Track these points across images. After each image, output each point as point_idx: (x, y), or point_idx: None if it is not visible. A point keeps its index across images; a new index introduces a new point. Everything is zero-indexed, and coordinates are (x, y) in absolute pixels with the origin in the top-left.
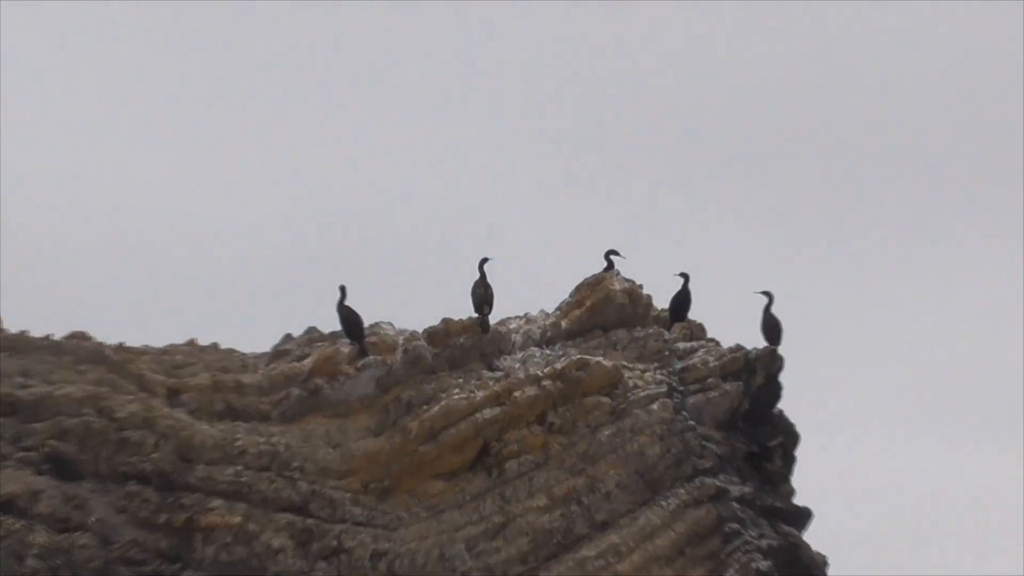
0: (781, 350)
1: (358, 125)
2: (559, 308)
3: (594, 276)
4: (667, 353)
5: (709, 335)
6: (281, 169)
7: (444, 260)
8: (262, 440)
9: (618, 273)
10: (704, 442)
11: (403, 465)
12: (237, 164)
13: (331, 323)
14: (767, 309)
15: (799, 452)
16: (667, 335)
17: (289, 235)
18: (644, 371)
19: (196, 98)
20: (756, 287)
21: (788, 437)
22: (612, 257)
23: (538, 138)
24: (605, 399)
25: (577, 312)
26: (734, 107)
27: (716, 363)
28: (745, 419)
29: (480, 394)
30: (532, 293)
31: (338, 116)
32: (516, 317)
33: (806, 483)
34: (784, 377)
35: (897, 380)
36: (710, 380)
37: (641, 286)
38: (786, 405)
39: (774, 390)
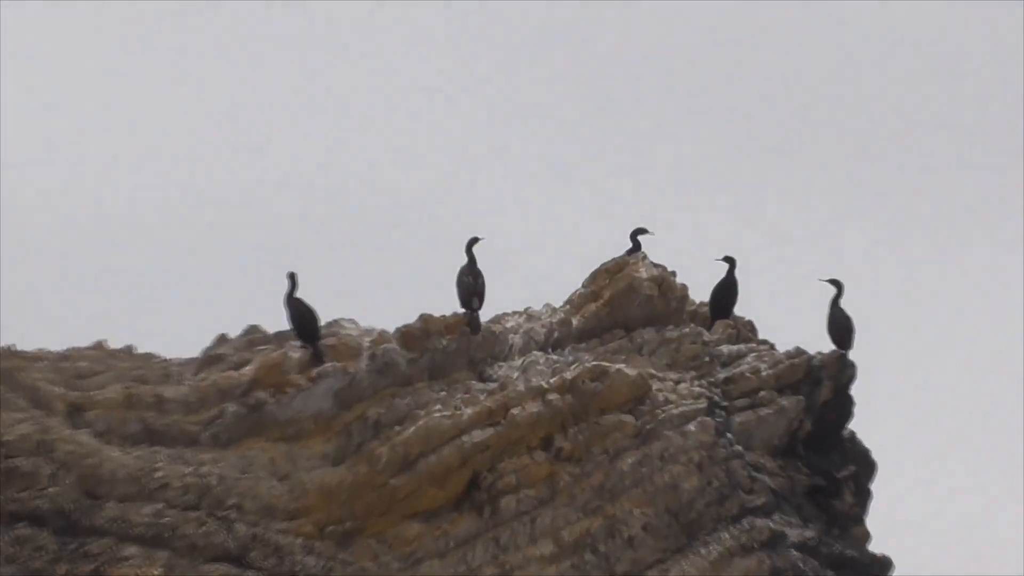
0: (853, 354)
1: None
2: (569, 301)
3: (614, 260)
4: (707, 359)
5: (761, 336)
6: (214, 135)
7: (423, 243)
8: (189, 470)
9: (645, 257)
10: (755, 473)
11: (370, 502)
12: (158, 133)
13: (277, 320)
14: (835, 303)
15: (876, 485)
16: (707, 336)
17: (226, 214)
18: (678, 382)
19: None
20: (820, 274)
21: (862, 466)
22: (639, 237)
23: (541, 105)
24: (628, 418)
25: (593, 306)
26: (783, 76)
27: (770, 372)
28: (807, 443)
29: (468, 411)
30: (535, 282)
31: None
32: (514, 313)
33: (884, 524)
34: (857, 389)
35: (990, 389)
36: (762, 394)
37: (674, 273)
38: (859, 425)
39: (844, 406)
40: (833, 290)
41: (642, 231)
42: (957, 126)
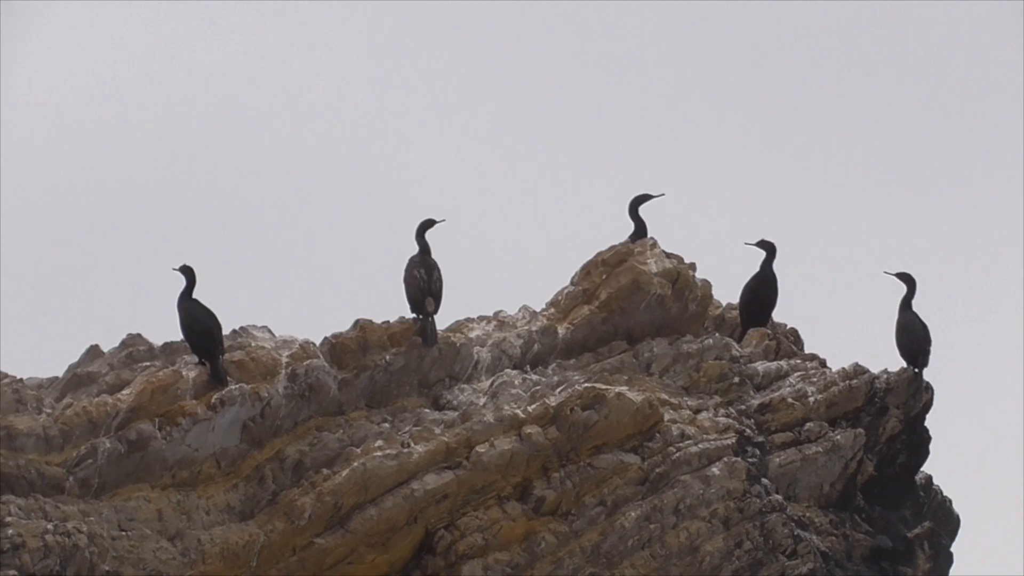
0: (929, 374)
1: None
2: (554, 303)
3: (613, 248)
4: (737, 380)
5: (808, 349)
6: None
7: (361, 230)
8: (50, 527)
9: (654, 243)
10: (799, 531)
11: (289, 569)
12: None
13: (166, 328)
14: (905, 306)
15: (959, 546)
16: (737, 349)
17: (100, 197)
18: (698, 411)
19: None
20: (884, 267)
21: (942, 522)
22: (642, 210)
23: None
24: (632, 458)
25: (585, 310)
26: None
27: (820, 396)
28: (869, 492)
29: (419, 449)
30: (509, 278)
31: None
32: (481, 320)
33: None
34: (934, 421)
35: None
36: (810, 426)
37: (693, 266)
38: (937, 468)
39: (918, 443)
40: (903, 288)
41: (645, 198)
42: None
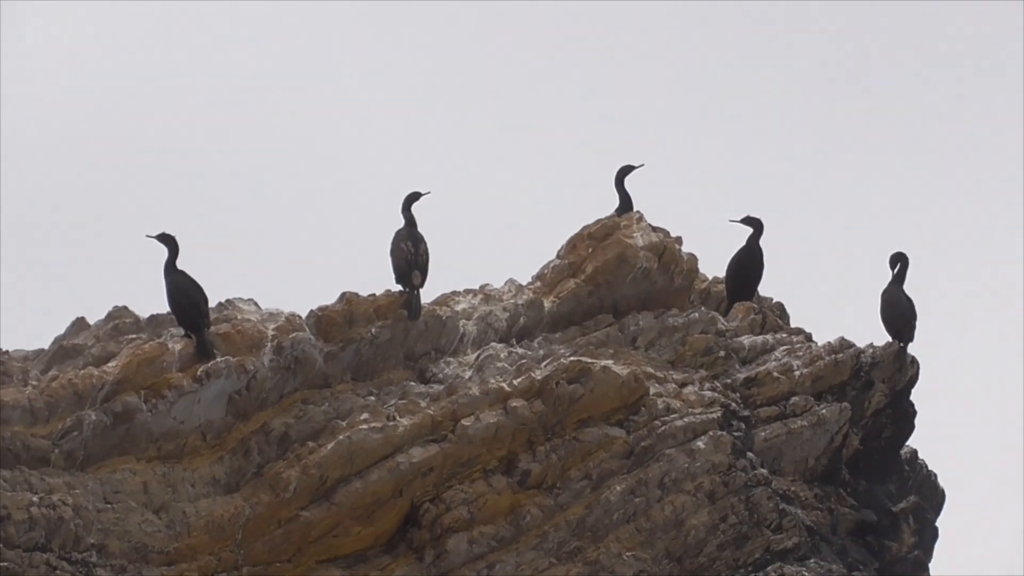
0: (914, 348)
1: None
2: (540, 277)
3: (599, 222)
4: (723, 354)
5: (794, 323)
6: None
7: (348, 205)
8: (35, 499)
9: (641, 217)
10: (785, 505)
11: (274, 542)
12: None
13: (153, 300)
14: (895, 282)
15: (944, 521)
16: (723, 323)
17: (85, 164)
18: (684, 384)
19: None
20: (871, 244)
21: (927, 497)
22: (627, 182)
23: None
24: (617, 431)
25: (571, 284)
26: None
27: (806, 371)
28: (855, 466)
29: (405, 422)
30: (495, 252)
31: None
32: (467, 293)
33: (954, 572)
34: (920, 395)
35: None
36: (795, 400)
37: (680, 240)
38: (923, 442)
39: (903, 417)
40: (894, 267)
41: (628, 169)
42: None
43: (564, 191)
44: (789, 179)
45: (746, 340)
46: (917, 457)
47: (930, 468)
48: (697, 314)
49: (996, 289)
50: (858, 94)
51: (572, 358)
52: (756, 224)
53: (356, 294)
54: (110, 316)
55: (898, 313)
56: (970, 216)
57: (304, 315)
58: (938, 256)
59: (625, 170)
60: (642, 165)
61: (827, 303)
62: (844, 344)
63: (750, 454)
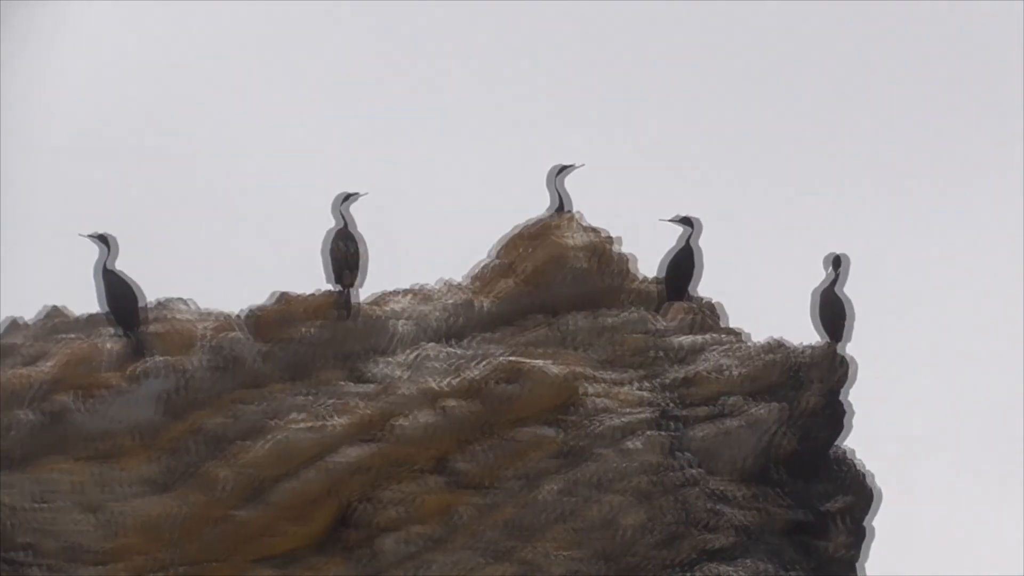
0: (849, 348)
1: None
2: (475, 276)
3: (536, 222)
4: (657, 354)
5: (729, 323)
6: None
7: (281, 205)
8: None
9: (576, 216)
10: (718, 505)
11: (207, 542)
12: None
13: (87, 300)
14: (831, 282)
15: (877, 521)
16: (658, 322)
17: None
18: (618, 383)
19: None
20: (808, 243)
21: (859, 496)
22: (562, 181)
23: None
24: (550, 431)
25: (506, 284)
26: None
27: (740, 371)
28: (788, 466)
29: (339, 422)
30: (430, 252)
31: None
32: (402, 292)
33: (887, 572)
34: (855, 396)
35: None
36: (730, 400)
37: (615, 240)
38: (856, 442)
39: (836, 417)
40: (830, 270)
41: (564, 169)
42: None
43: (500, 191)
44: (724, 178)
45: (680, 340)
46: (851, 457)
47: (863, 468)
48: (632, 314)
49: (936, 287)
50: (795, 91)
51: (507, 358)
52: (690, 223)
53: (292, 294)
54: (44, 315)
55: (832, 313)
56: (909, 213)
57: (239, 315)
58: (874, 255)
59: (561, 169)
60: (582, 165)
61: (762, 304)
62: (778, 345)
63: (684, 454)
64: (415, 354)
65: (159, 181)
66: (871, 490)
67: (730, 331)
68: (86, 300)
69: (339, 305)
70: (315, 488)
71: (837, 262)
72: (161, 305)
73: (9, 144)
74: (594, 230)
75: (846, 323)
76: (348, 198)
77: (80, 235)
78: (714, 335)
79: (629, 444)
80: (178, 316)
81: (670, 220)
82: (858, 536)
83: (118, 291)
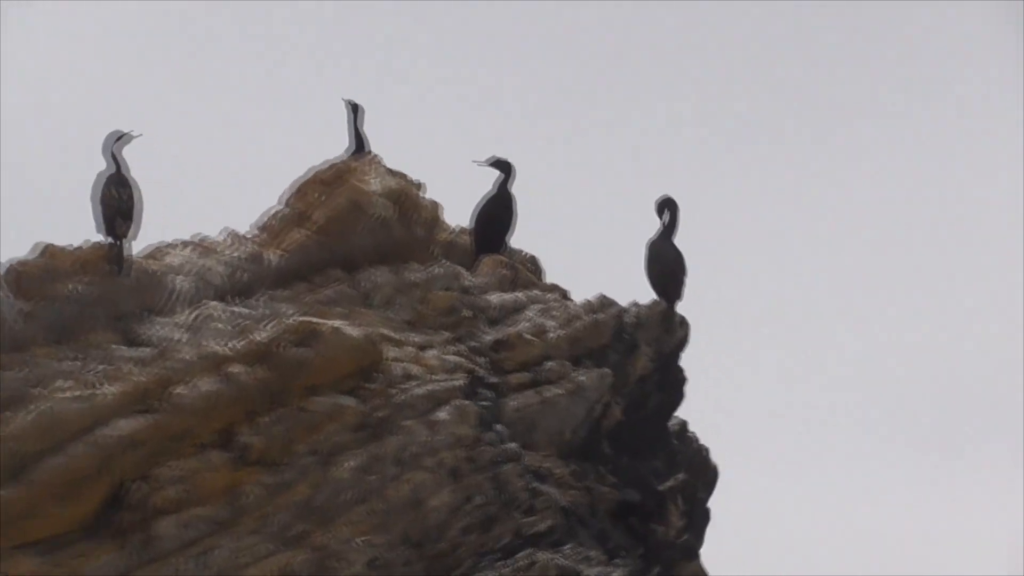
0: (683, 308)
1: None
2: (264, 227)
3: (331, 165)
4: (469, 313)
5: (550, 279)
6: None
7: (46, 141)
8: None
9: (377, 160)
10: (537, 484)
11: None
12: None
13: None
14: (663, 232)
15: (717, 501)
16: (469, 278)
17: None
18: (424, 347)
19: None
20: (645, 193)
21: (697, 474)
22: (361, 125)
23: None
24: (349, 400)
25: (298, 234)
26: None
27: (562, 332)
28: (617, 440)
29: (110, 390)
30: (212, 198)
31: None
32: (181, 244)
33: (728, 557)
34: (690, 360)
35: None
36: (550, 365)
37: (420, 184)
38: (693, 413)
39: (672, 384)
40: (661, 215)
41: (355, 107)
42: None
43: (289, 132)
44: (540, 116)
45: (495, 298)
46: (687, 430)
47: (701, 443)
48: (439, 269)
49: (784, 238)
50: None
51: (299, 318)
52: (506, 168)
53: (56, 246)
54: None
55: (665, 267)
56: (744, 153)
57: None
58: (704, 200)
59: (356, 107)
60: (359, 107)
61: (587, 257)
62: (605, 302)
63: (499, 426)
64: (196, 314)
65: None
66: (714, 467)
67: (552, 287)
68: None
69: (110, 259)
70: (84, 465)
71: (666, 206)
72: None
73: None
74: (398, 174)
75: (680, 278)
76: (121, 138)
77: None
78: (533, 292)
79: (437, 415)
80: None
81: (483, 163)
82: (697, 519)
83: None
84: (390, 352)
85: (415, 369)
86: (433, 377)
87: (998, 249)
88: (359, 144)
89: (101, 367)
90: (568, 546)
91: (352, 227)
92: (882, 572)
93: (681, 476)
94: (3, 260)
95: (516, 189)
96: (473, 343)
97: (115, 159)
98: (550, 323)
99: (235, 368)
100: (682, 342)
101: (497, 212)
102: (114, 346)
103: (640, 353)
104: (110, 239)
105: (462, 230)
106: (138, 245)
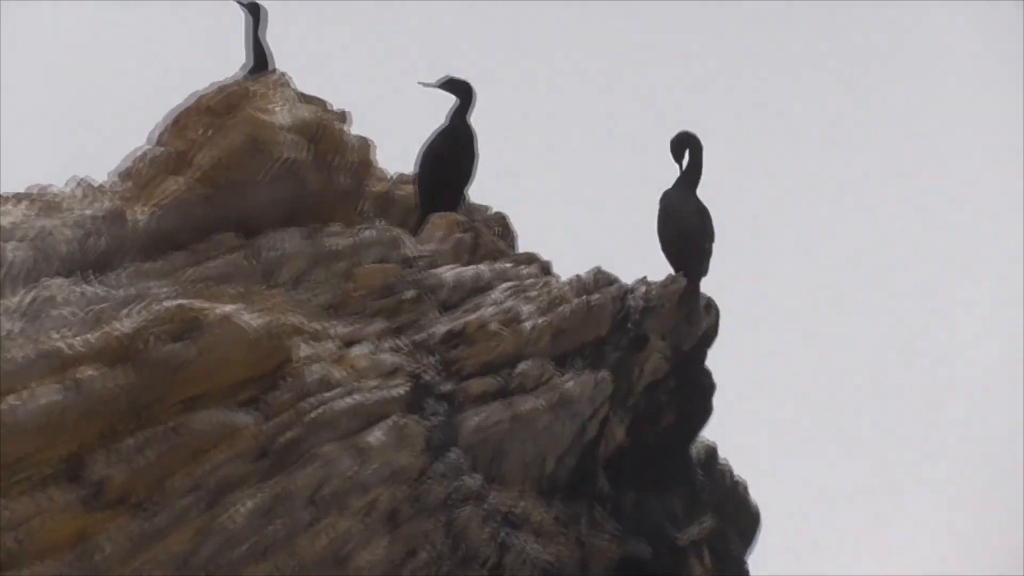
0: (707, 285)
1: None
2: (127, 173)
3: (220, 88)
4: (412, 294)
5: (523, 247)
6: None
7: None
8: None
9: (283, 80)
10: (508, 533)
11: None
12: None
13: None
14: (683, 181)
15: (762, 552)
16: (412, 245)
17: None
18: (351, 342)
19: None
20: (659, 128)
21: (730, 518)
22: (263, 36)
23: None
24: (245, 417)
25: (174, 184)
26: None
27: (542, 320)
28: (620, 471)
29: None
30: (56, 137)
31: None
32: (12, 198)
33: None
34: (719, 359)
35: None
36: (525, 367)
37: (345, 115)
38: (723, 432)
39: (694, 393)
40: (679, 158)
41: (255, 7)
42: None
43: (162, 46)
44: (513, 31)
45: (448, 273)
46: (716, 458)
47: (737, 476)
48: (372, 232)
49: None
50: None
51: (176, 302)
52: (463, 90)
53: None
54: None
55: (684, 229)
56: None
57: None
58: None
59: (258, 10)
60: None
61: (577, 217)
62: (601, 279)
63: (453, 453)
64: (32, 295)
65: None
66: (754, 508)
67: (530, 259)
68: None
69: None
70: None
71: (686, 144)
72: None
73: None
74: (314, 100)
75: (705, 246)
76: None
77: None
78: (503, 265)
79: (367, 438)
80: None
81: (432, 84)
82: (734, 568)
83: None
84: (302, 349)
85: (337, 373)
86: (362, 384)
87: None
88: (259, 59)
89: None
90: None
91: (250, 174)
92: None
93: (708, 522)
94: None
95: (480, 122)
96: (418, 336)
97: None
98: (526, 308)
99: (86, 371)
100: (709, 334)
101: (451, 152)
102: None
103: (651, 349)
104: None
105: (403, 178)
106: None
